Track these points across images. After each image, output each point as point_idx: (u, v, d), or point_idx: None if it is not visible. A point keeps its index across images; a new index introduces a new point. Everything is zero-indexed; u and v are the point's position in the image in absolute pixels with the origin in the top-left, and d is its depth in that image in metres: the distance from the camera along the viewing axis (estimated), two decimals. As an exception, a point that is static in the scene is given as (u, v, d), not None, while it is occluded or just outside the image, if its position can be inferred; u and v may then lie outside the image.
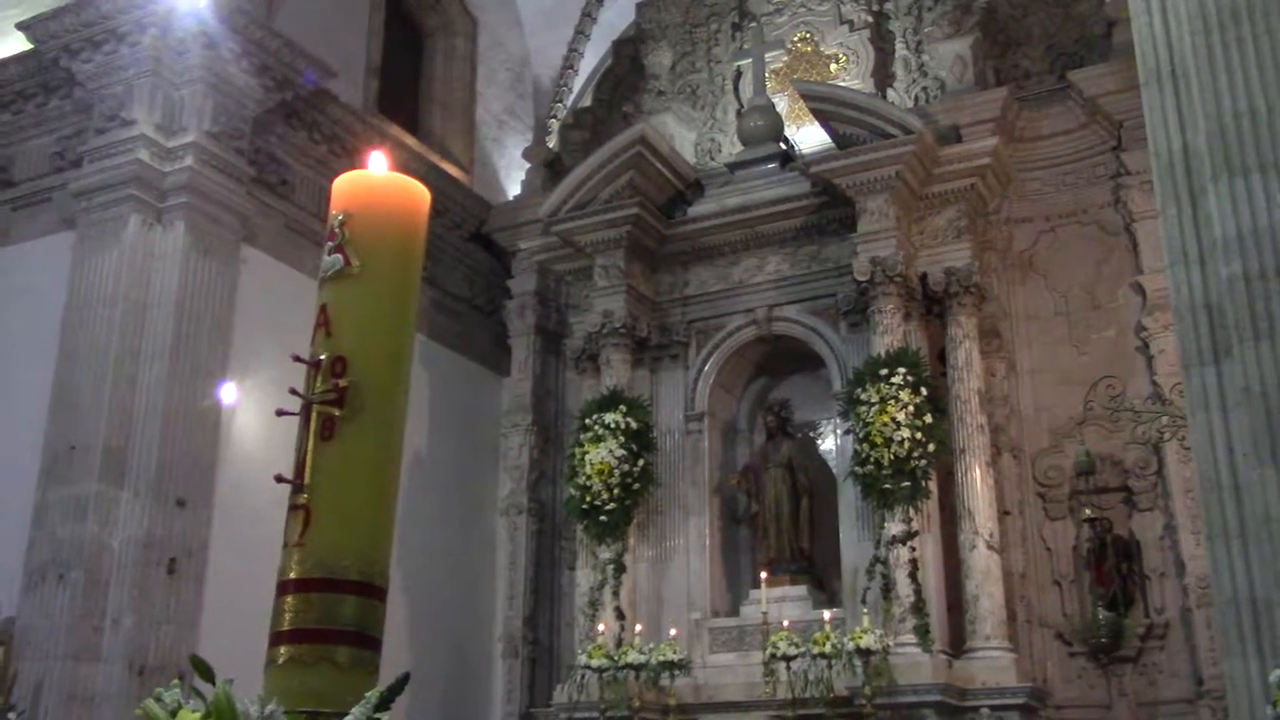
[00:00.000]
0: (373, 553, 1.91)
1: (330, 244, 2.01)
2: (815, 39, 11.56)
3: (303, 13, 11.11)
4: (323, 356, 1.96)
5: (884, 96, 10.88)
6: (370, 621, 1.88)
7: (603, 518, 10.21)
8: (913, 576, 9.16)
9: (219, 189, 9.98)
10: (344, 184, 2.07)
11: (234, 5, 10.02)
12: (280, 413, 2.02)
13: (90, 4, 9.85)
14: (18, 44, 10.44)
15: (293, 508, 1.92)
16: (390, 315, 2.02)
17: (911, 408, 9.27)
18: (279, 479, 1.95)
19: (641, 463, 10.34)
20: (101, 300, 9.51)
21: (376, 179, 2.06)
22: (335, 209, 2.03)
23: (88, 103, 10.15)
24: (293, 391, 1.97)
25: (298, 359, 1.99)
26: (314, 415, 1.93)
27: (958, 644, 9.34)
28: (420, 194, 2.07)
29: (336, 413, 1.92)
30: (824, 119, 10.36)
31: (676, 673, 9.57)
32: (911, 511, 9.29)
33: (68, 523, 8.97)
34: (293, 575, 1.87)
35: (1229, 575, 5.05)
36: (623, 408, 10.41)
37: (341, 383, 1.92)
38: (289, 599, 1.87)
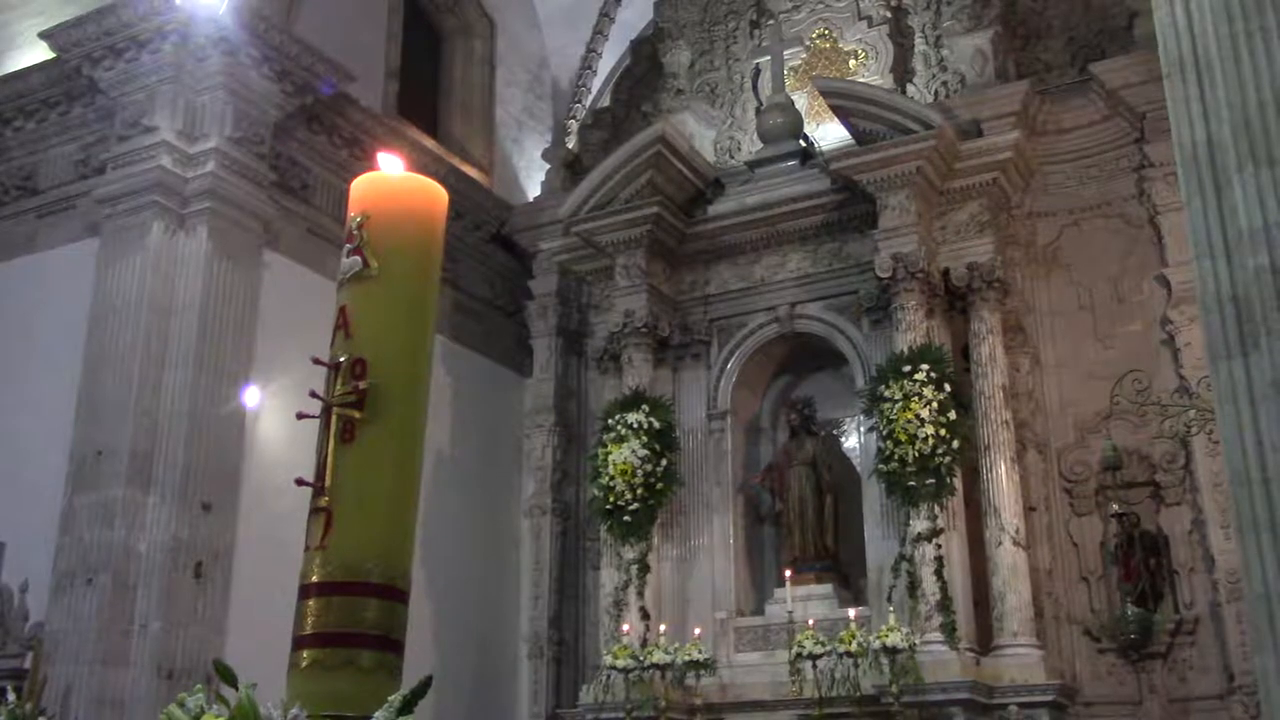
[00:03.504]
0: (394, 555, 1.89)
1: (349, 246, 2.00)
2: (834, 35, 11.52)
3: (321, 17, 11.14)
4: (342, 358, 1.95)
5: (904, 92, 10.84)
6: (393, 624, 1.87)
7: (626, 518, 10.20)
8: (938, 574, 9.11)
9: (241, 194, 10.03)
10: (362, 185, 2.06)
11: (253, 11, 10.06)
12: (301, 416, 2.01)
13: (111, 12, 9.91)
14: (41, 53, 10.52)
15: (314, 511, 1.91)
16: (409, 316, 2.00)
17: (935, 404, 9.22)
18: (300, 482, 1.94)
19: (664, 462, 10.32)
20: (126, 306, 9.57)
21: (394, 180, 2.04)
22: (354, 210, 2.02)
23: (110, 110, 10.22)
24: (313, 394, 1.96)
25: (318, 361, 1.98)
26: (334, 418, 1.92)
27: (985, 641, 9.29)
28: (438, 194, 2.06)
29: (356, 415, 1.90)
30: (844, 115, 10.32)
31: (702, 672, 9.55)
32: (936, 508, 9.23)
33: (95, 527, 9.03)
34: (315, 579, 1.86)
35: (1260, 569, 4.99)
36: (645, 407, 10.39)
37: (361, 385, 1.91)
38: (311, 602, 1.86)
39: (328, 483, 1.90)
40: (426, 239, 2.05)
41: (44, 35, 10.30)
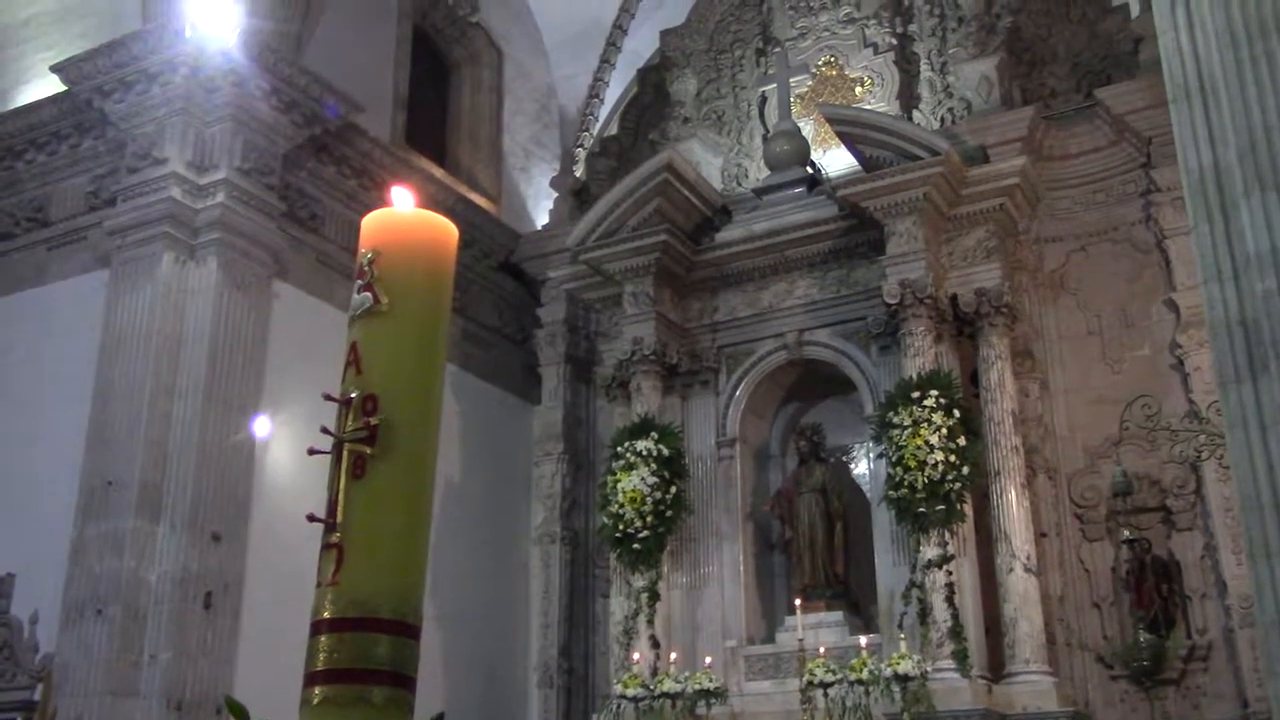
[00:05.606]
0: (406, 591, 1.90)
1: (359, 282, 2.01)
2: (840, 63, 11.57)
3: (330, 49, 11.22)
4: (353, 394, 1.95)
5: (910, 118, 10.88)
6: (404, 660, 1.87)
7: (636, 545, 10.18)
8: (949, 600, 9.08)
9: (250, 224, 10.07)
10: (372, 222, 2.07)
11: (262, 43, 10.14)
12: (312, 451, 2.02)
13: (122, 45, 9.99)
14: (52, 86, 10.61)
15: (325, 547, 1.91)
16: (420, 352, 2.01)
17: (944, 430, 9.21)
18: (311, 518, 1.95)
19: (674, 490, 10.31)
20: (136, 337, 9.60)
21: (405, 217, 2.06)
22: (364, 247, 2.03)
23: (120, 142, 10.28)
24: (324, 430, 1.97)
25: (328, 397, 2.00)
26: (345, 453, 1.93)
27: (997, 668, 9.24)
28: (449, 231, 2.07)
29: (368, 451, 1.91)
30: (850, 142, 10.36)
31: (713, 701, 9.51)
32: (947, 535, 9.21)
33: (105, 558, 9.03)
34: (326, 615, 1.86)
35: (1271, 595, 4.97)
36: (654, 435, 10.39)
37: (372, 420, 1.92)
38: (323, 639, 1.86)
39: (339, 519, 1.91)
40: (437, 275, 2.06)
41: (55, 69, 10.38)
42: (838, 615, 10.01)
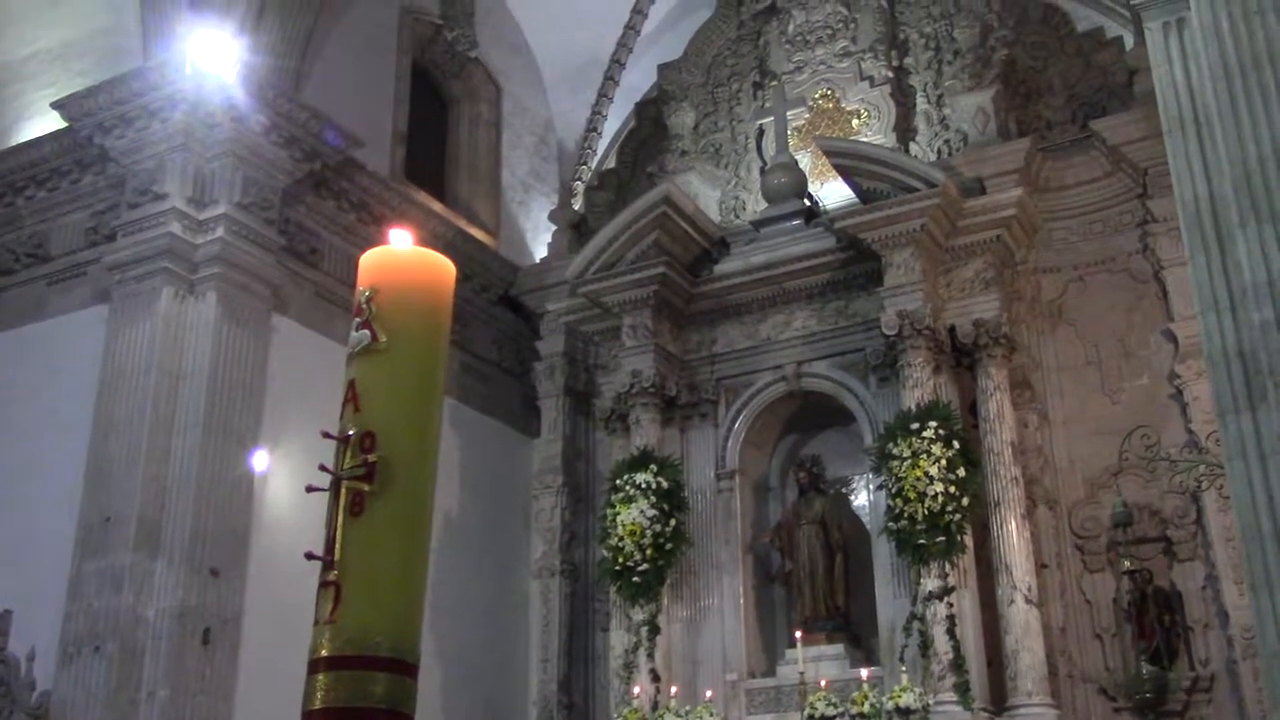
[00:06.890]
0: (404, 629, 1.90)
1: (358, 320, 2.02)
2: (836, 95, 11.63)
3: (329, 85, 11.28)
4: (351, 432, 1.96)
5: (907, 150, 10.92)
6: (402, 698, 1.87)
7: (636, 579, 10.15)
8: (951, 633, 9.04)
9: (250, 259, 10.10)
10: (371, 260, 2.08)
11: (262, 79, 10.20)
12: (310, 489, 2.03)
13: (122, 82, 10.05)
14: (53, 122, 10.67)
15: (323, 584, 1.92)
16: (418, 390, 2.02)
17: (944, 461, 9.20)
18: (310, 556, 1.95)
19: (673, 522, 10.29)
20: (135, 372, 9.60)
21: (403, 255, 2.07)
22: (362, 285, 2.05)
23: (121, 178, 10.33)
24: (322, 468, 1.98)
25: (327, 435, 2.00)
26: (343, 491, 1.94)
27: (999, 701, 9.19)
28: (446, 268, 2.09)
29: (366, 488, 1.92)
30: (847, 174, 10.40)
31: (714, 735, 9.45)
32: (947, 566, 9.18)
33: (103, 594, 9.00)
34: (324, 653, 1.86)
35: (1273, 626, 4.96)
36: (653, 467, 10.37)
37: (370, 458, 1.93)
38: (320, 677, 1.86)
39: (337, 556, 1.91)
40: (435, 313, 2.07)
41: (56, 105, 10.44)
42: (838, 648, 9.96)
